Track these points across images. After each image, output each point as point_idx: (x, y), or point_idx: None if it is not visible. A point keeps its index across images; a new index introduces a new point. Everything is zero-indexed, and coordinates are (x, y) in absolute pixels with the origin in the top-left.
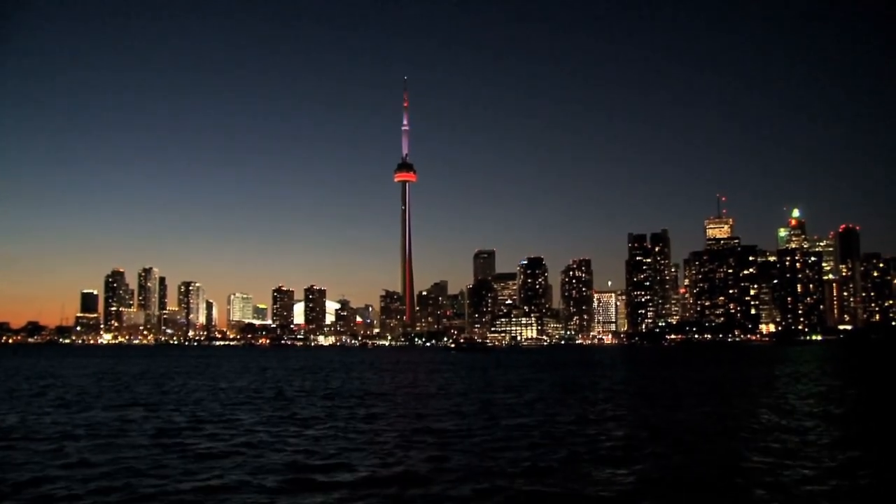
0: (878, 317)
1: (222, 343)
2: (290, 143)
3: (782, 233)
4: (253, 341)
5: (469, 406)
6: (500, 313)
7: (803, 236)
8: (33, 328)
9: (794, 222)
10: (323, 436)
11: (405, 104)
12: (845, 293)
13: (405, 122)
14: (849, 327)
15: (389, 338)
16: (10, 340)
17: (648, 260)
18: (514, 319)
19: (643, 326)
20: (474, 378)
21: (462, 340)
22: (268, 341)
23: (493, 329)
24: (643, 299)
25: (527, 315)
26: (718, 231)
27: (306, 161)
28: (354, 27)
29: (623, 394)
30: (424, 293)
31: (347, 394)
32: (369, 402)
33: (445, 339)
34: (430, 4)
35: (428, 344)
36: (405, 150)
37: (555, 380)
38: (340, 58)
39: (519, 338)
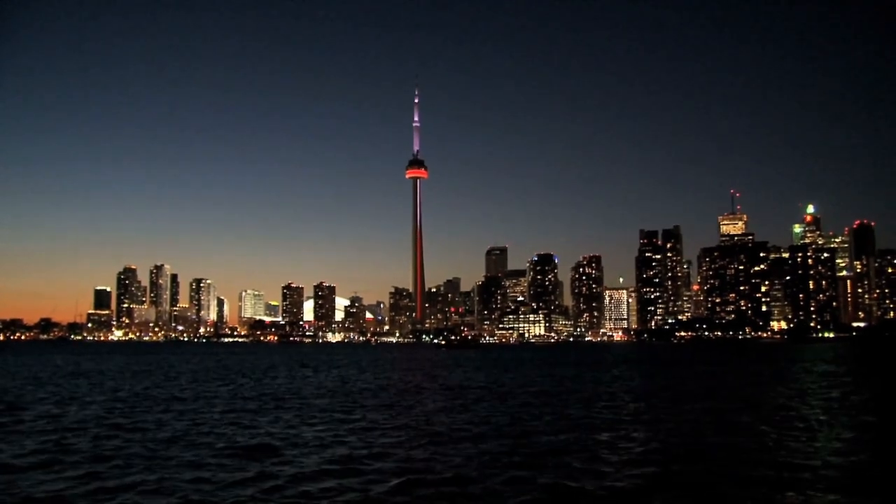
0: (892, 314)
1: (230, 340)
2: (302, 141)
3: (797, 229)
4: (261, 338)
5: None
6: (509, 310)
7: (818, 232)
8: (46, 325)
9: (809, 218)
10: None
11: (416, 101)
12: (860, 290)
13: (416, 118)
14: (863, 324)
15: (398, 334)
16: (23, 337)
17: (658, 256)
18: (521, 316)
19: (653, 323)
20: (414, 376)
21: (453, 337)
22: (275, 338)
23: (500, 326)
24: (653, 296)
25: (535, 312)
26: (732, 227)
27: (317, 158)
28: (365, 24)
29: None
30: (434, 290)
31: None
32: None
33: (452, 335)
34: (441, 1)
35: (436, 341)
36: (416, 147)
37: (503, 382)
38: (351, 54)
39: (527, 335)
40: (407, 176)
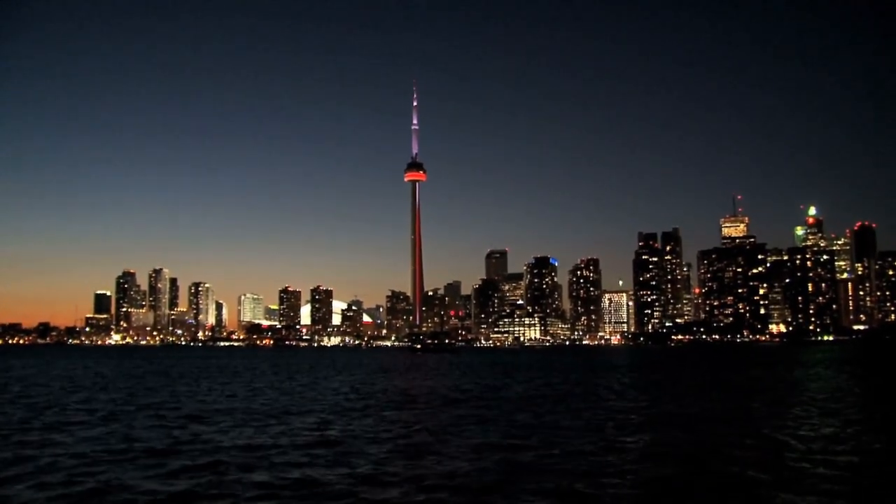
0: (893, 317)
1: (226, 344)
2: (300, 144)
3: (799, 231)
4: (258, 342)
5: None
6: (505, 313)
7: (820, 234)
8: (44, 329)
9: (811, 220)
10: None
11: (415, 103)
12: (861, 292)
13: (415, 121)
14: (863, 327)
15: (394, 338)
16: (21, 341)
17: (655, 259)
18: (517, 320)
19: (650, 327)
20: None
21: (430, 341)
22: (271, 342)
23: (496, 329)
24: (650, 299)
25: (530, 315)
26: (734, 230)
27: (316, 161)
28: (364, 27)
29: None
30: (430, 293)
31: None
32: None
33: (429, 339)
34: (439, 4)
35: (411, 344)
36: (415, 150)
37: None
38: (350, 58)
39: (522, 338)
40: (406, 179)
